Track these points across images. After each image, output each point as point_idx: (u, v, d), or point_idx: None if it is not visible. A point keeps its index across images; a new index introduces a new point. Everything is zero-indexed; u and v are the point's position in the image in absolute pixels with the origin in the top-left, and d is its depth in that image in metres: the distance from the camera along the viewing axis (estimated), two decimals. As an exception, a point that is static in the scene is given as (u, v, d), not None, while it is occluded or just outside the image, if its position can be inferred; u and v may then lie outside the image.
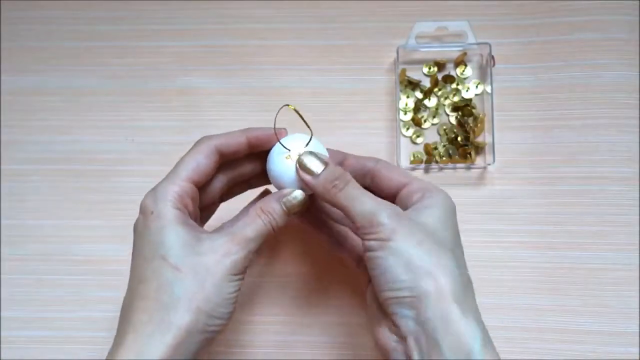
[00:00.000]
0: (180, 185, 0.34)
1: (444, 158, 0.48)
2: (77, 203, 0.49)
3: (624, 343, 0.45)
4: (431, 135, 0.49)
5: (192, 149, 0.35)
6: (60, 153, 0.50)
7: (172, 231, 0.32)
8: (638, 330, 0.45)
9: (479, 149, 0.48)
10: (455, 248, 0.33)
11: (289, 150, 0.36)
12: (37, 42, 0.52)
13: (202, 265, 0.32)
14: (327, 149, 0.37)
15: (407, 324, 0.31)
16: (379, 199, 0.33)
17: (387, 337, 0.32)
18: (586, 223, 0.47)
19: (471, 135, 0.47)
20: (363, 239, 0.32)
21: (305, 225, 0.41)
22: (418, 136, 0.49)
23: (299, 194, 0.35)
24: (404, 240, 0.31)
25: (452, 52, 0.50)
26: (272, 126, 0.36)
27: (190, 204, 0.34)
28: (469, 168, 0.48)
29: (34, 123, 0.50)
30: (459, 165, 0.48)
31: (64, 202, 0.49)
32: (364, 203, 0.33)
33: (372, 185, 0.37)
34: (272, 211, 0.35)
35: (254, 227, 0.34)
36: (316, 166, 0.34)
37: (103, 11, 0.52)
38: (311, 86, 0.50)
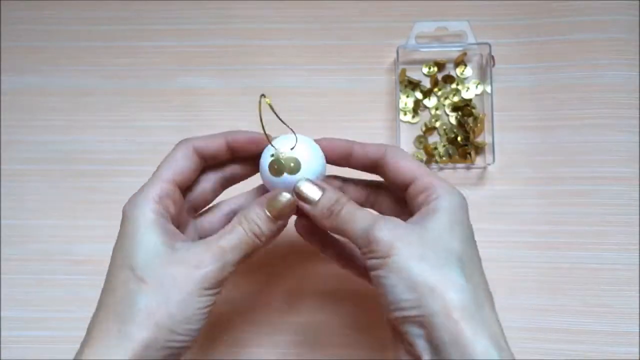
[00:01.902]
0: (160, 187, 0.32)
1: (444, 158, 0.48)
2: (77, 203, 0.49)
3: (624, 343, 0.45)
4: (431, 135, 0.49)
5: (171, 151, 0.34)
6: (60, 153, 0.50)
7: (144, 239, 0.30)
8: (638, 330, 0.45)
9: (479, 149, 0.48)
10: (464, 255, 0.30)
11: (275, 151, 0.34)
12: (37, 42, 0.52)
13: (169, 278, 0.30)
14: (331, 138, 0.36)
15: (420, 344, 0.29)
16: (376, 215, 0.32)
17: (405, 357, 0.30)
18: (586, 223, 0.47)
19: (471, 135, 0.47)
20: (364, 259, 0.31)
21: (314, 246, 0.39)
22: (414, 116, 0.49)
23: (283, 197, 0.33)
24: (404, 256, 0.29)
25: (452, 52, 0.50)
26: (257, 130, 0.34)
27: (171, 206, 0.32)
28: (469, 168, 0.48)
29: (34, 123, 0.50)
30: (459, 165, 0.48)
31: (64, 202, 0.49)
32: (359, 221, 0.31)
33: (384, 176, 0.35)
34: (254, 218, 0.32)
35: (232, 236, 0.32)
36: (314, 193, 0.33)
37: (103, 11, 0.52)
38: (311, 86, 0.50)
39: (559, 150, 0.48)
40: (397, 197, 0.37)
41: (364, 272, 0.37)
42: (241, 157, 0.36)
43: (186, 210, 0.36)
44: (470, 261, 0.31)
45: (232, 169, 0.37)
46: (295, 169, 0.33)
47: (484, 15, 0.50)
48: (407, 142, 0.49)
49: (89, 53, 0.51)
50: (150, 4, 0.52)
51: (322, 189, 0.33)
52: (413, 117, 0.49)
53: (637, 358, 0.44)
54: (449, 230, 0.31)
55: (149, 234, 0.31)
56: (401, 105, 0.49)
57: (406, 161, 0.34)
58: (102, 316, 0.30)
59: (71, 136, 0.50)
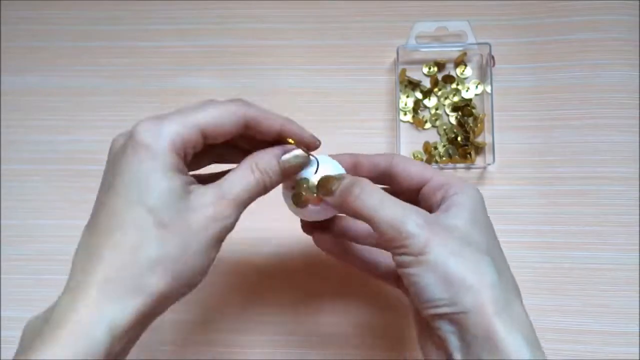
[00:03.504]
0: (190, 132, 0.29)
1: (444, 158, 0.48)
2: (77, 203, 0.49)
3: (624, 343, 0.45)
4: (431, 135, 0.49)
5: (223, 102, 0.30)
6: (60, 153, 0.50)
7: (165, 179, 0.27)
8: (638, 330, 0.45)
9: (479, 149, 0.48)
10: (491, 250, 0.30)
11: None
12: (37, 42, 0.52)
13: (189, 227, 0.28)
14: (336, 155, 0.35)
15: (452, 340, 0.28)
16: (405, 204, 0.30)
17: (434, 353, 0.30)
18: (586, 223, 0.47)
19: (471, 135, 0.47)
20: (393, 254, 0.30)
21: (331, 256, 0.38)
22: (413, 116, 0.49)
23: (300, 153, 0.32)
24: (438, 253, 0.28)
25: (452, 52, 0.50)
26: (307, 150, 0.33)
27: (190, 155, 0.30)
28: (469, 168, 0.48)
29: (34, 123, 0.50)
30: (459, 165, 0.48)
31: (64, 202, 0.49)
32: (387, 209, 0.30)
33: (393, 184, 0.35)
34: (268, 169, 0.31)
35: (246, 185, 0.30)
36: (332, 184, 0.32)
37: (103, 11, 0.52)
38: (311, 86, 0.50)
39: (559, 150, 0.48)
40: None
41: (388, 276, 0.37)
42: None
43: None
44: (498, 256, 0.31)
45: (229, 153, 0.34)
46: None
47: (484, 15, 0.50)
48: (406, 142, 0.49)
49: (89, 53, 0.51)
50: (150, 4, 0.52)
51: (340, 177, 0.33)
52: (425, 124, 0.49)
53: (637, 358, 0.44)
54: (473, 225, 0.30)
55: (171, 176, 0.28)
56: (401, 105, 0.49)
57: (415, 165, 0.34)
58: (110, 258, 0.27)
59: (71, 136, 0.50)
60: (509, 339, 0.27)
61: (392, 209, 0.30)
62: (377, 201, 0.30)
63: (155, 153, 0.28)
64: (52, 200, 0.49)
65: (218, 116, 0.30)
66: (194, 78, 0.51)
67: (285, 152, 0.32)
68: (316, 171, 0.33)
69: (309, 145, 0.33)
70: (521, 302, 0.30)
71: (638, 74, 0.48)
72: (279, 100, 0.49)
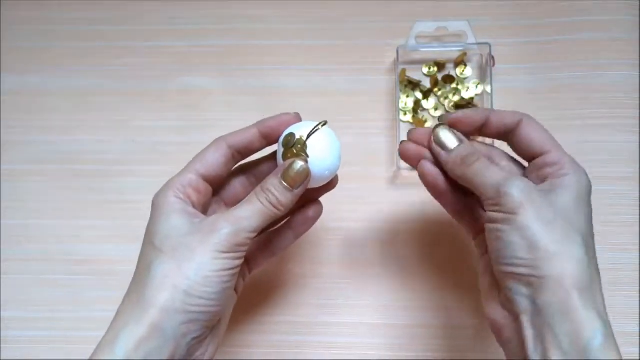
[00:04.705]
0: (184, 177, 0.34)
1: (444, 158, 0.48)
2: (77, 203, 0.49)
3: (624, 343, 0.44)
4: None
5: (207, 146, 0.35)
6: (60, 153, 0.50)
7: (166, 219, 0.32)
8: (638, 330, 0.45)
9: (479, 149, 0.48)
10: (585, 232, 0.31)
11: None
12: (37, 42, 0.52)
13: (185, 244, 0.31)
14: (474, 107, 0.36)
15: (522, 302, 0.29)
16: (509, 174, 0.32)
17: (499, 313, 0.31)
18: (586, 223, 0.47)
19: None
20: (487, 210, 0.31)
21: (430, 189, 0.37)
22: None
23: (297, 165, 0.33)
24: (531, 217, 0.29)
25: (452, 52, 0.50)
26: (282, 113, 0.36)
27: (193, 194, 0.34)
28: (469, 168, 0.48)
29: (34, 123, 0.50)
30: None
31: (64, 202, 0.49)
32: (492, 175, 0.32)
33: (512, 144, 0.35)
34: (270, 187, 0.33)
35: (248, 205, 0.33)
36: (451, 142, 0.34)
37: (103, 11, 0.52)
38: (311, 86, 0.50)
39: (559, 150, 0.48)
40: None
41: (472, 226, 0.37)
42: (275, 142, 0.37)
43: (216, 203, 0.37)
44: (590, 240, 0.31)
45: (262, 168, 0.38)
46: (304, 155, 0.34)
47: (484, 15, 0.50)
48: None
49: (89, 53, 0.51)
50: (150, 4, 0.52)
51: (460, 140, 0.34)
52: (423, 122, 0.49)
53: (637, 358, 0.44)
54: (576, 205, 0.31)
55: (170, 214, 0.32)
56: (401, 105, 0.49)
57: (540, 133, 0.34)
58: (127, 291, 0.32)
59: (71, 136, 0.50)
60: (586, 313, 0.27)
61: (498, 174, 0.32)
62: (483, 168, 0.32)
63: (158, 206, 0.33)
64: (52, 200, 0.49)
65: (205, 156, 0.35)
66: (194, 78, 0.51)
67: (282, 169, 0.33)
68: (310, 134, 0.34)
69: (291, 121, 0.35)
70: (601, 286, 0.30)
71: (638, 74, 0.48)
72: (279, 100, 0.49)
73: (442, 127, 0.35)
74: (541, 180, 0.33)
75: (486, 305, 0.32)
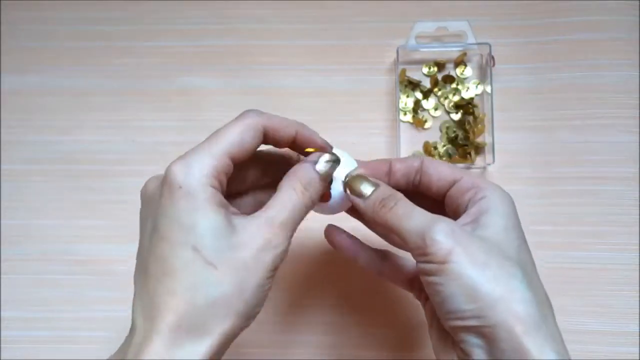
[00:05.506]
0: (218, 160, 0.28)
1: (443, 158, 0.48)
2: (77, 203, 0.49)
3: (624, 343, 0.45)
4: (431, 135, 0.49)
5: (238, 120, 0.30)
6: (60, 153, 0.50)
7: (206, 216, 0.27)
8: (638, 330, 0.45)
9: (479, 149, 0.48)
10: (523, 261, 0.29)
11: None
12: (37, 42, 0.52)
13: (241, 263, 0.27)
14: (373, 161, 0.35)
15: (477, 353, 0.27)
16: (432, 214, 0.30)
17: None
18: (586, 223, 0.47)
19: (471, 136, 0.47)
20: (417, 261, 0.29)
21: (343, 252, 0.37)
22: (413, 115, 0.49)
23: (329, 157, 0.32)
24: (463, 262, 0.27)
25: (452, 52, 0.50)
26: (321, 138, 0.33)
27: (225, 182, 0.29)
28: (469, 168, 0.48)
29: (34, 123, 0.50)
30: (459, 165, 0.48)
31: (64, 202, 0.49)
32: (414, 218, 0.29)
33: (421, 185, 0.34)
34: (311, 183, 0.30)
35: (292, 207, 0.29)
36: (366, 188, 0.32)
37: (103, 11, 0.52)
38: (311, 86, 0.50)
39: (559, 150, 0.48)
40: (432, 203, 0.35)
41: (400, 277, 0.36)
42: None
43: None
44: (530, 269, 0.29)
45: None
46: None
47: (484, 15, 0.50)
48: (407, 142, 0.49)
49: (89, 53, 0.51)
50: (150, 4, 0.52)
51: (376, 184, 0.32)
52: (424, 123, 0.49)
53: (637, 358, 0.44)
54: (505, 234, 0.29)
55: (211, 208, 0.27)
56: (401, 105, 0.49)
57: (446, 165, 0.34)
58: (168, 305, 0.26)
59: (71, 136, 0.50)
60: (539, 354, 0.26)
61: (420, 218, 0.29)
62: (404, 211, 0.30)
63: (190, 191, 0.27)
64: (52, 200, 0.49)
65: (239, 136, 0.29)
66: (194, 78, 0.51)
67: (316, 162, 0.31)
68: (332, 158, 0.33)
69: (323, 150, 0.33)
70: (554, 317, 0.29)
71: (638, 74, 0.48)
72: (279, 100, 0.49)
73: (354, 175, 0.33)
74: (462, 208, 0.31)
75: (440, 358, 0.30)
